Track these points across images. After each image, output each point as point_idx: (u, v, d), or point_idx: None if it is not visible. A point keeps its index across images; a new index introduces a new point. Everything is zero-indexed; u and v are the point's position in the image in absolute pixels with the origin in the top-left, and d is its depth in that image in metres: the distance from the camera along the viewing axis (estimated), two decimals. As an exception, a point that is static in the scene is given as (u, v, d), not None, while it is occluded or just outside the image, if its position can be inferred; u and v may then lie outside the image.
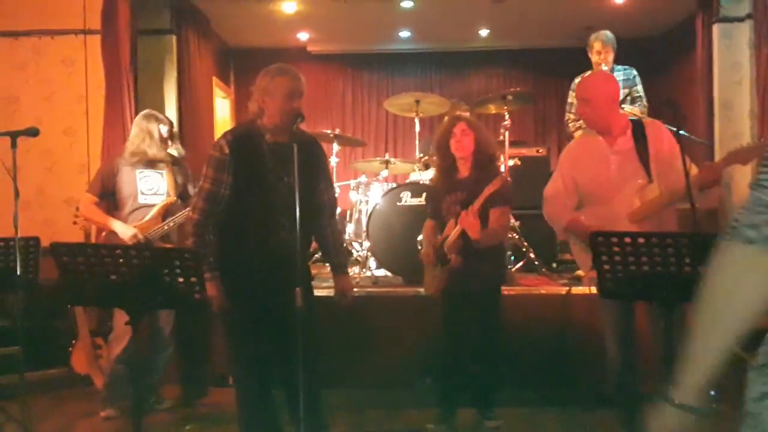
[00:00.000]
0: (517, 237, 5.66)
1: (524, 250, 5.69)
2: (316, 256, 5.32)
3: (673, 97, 6.94)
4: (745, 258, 1.20)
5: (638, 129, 3.43)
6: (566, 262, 5.95)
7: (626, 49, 5.82)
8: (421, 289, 4.18)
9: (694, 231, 2.90)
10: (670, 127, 3.73)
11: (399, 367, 4.50)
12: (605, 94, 3.45)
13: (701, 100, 6.69)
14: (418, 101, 6.01)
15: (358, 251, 5.85)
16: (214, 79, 8.72)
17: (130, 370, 3.67)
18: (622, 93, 5.43)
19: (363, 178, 6.14)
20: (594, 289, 2.93)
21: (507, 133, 5.74)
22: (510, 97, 5.80)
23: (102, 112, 5.84)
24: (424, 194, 4.61)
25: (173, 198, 4.21)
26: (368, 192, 5.98)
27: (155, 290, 2.67)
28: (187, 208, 3.96)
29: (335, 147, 6.19)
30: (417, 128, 6.11)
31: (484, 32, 9.08)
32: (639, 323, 3.38)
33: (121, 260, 2.64)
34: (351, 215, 6.11)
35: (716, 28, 6.47)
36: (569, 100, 5.63)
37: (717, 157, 5.83)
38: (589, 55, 5.58)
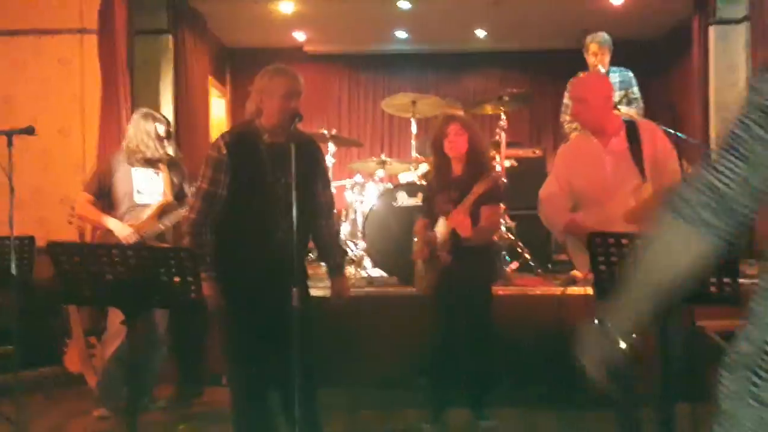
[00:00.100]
0: (512, 238, 5.66)
1: (520, 250, 5.70)
2: (311, 255, 5.32)
3: (669, 99, 6.97)
4: (671, 230, 1.28)
5: (632, 130, 3.44)
6: (561, 263, 5.95)
7: (623, 51, 5.82)
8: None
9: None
10: (665, 128, 3.75)
11: (394, 367, 4.50)
12: (599, 94, 3.46)
13: (697, 101, 6.71)
14: (414, 102, 6.02)
15: (353, 251, 5.85)
16: (211, 79, 8.71)
17: (125, 369, 3.66)
18: (619, 95, 5.44)
19: (359, 179, 6.14)
20: (590, 290, 2.93)
21: (503, 134, 5.74)
22: (506, 98, 5.80)
23: (98, 111, 5.83)
24: (420, 195, 4.62)
25: (169, 197, 4.19)
26: (364, 192, 5.99)
27: (151, 290, 2.67)
28: (183, 208, 3.96)
29: (331, 147, 6.18)
30: (413, 129, 6.11)
31: (481, 33, 9.08)
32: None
33: (117, 259, 2.64)
34: (347, 215, 6.12)
35: (712, 30, 6.49)
36: (565, 101, 5.63)
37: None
38: (586, 57, 5.59)
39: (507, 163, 5.85)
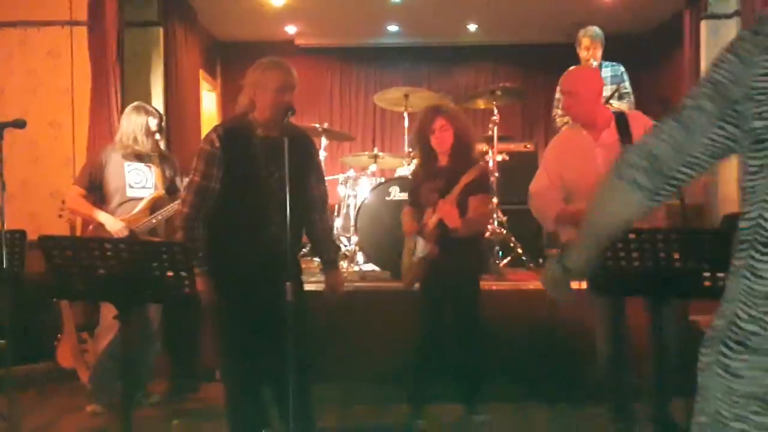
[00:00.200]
0: (504, 232, 5.66)
1: (512, 245, 5.70)
2: (304, 250, 5.30)
3: (661, 94, 6.99)
4: (613, 188, 1.47)
5: (622, 122, 3.45)
6: (553, 257, 5.97)
7: (614, 45, 5.83)
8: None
9: (682, 226, 2.91)
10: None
11: (387, 361, 4.50)
12: (590, 87, 3.47)
13: (688, 96, 6.72)
14: (407, 96, 6.01)
15: (346, 246, 5.84)
16: (201, 72, 8.67)
17: (118, 364, 3.64)
18: (611, 89, 5.46)
19: (351, 173, 6.13)
20: (583, 285, 2.93)
21: (496, 129, 5.74)
22: (499, 93, 5.80)
23: (88, 104, 5.79)
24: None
25: (161, 191, 4.17)
26: (356, 186, 5.98)
27: (144, 284, 2.65)
28: (175, 202, 3.94)
29: (323, 141, 6.17)
30: (406, 123, 6.10)
31: (472, 27, 9.07)
32: (628, 318, 3.40)
33: (109, 254, 2.62)
34: (339, 210, 6.11)
35: (704, 25, 6.50)
36: (557, 95, 5.63)
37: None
38: (578, 51, 5.60)
39: (499, 158, 5.86)
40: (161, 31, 6.59)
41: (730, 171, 5.36)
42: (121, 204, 4.09)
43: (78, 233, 4.47)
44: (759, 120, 1.27)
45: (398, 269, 4.97)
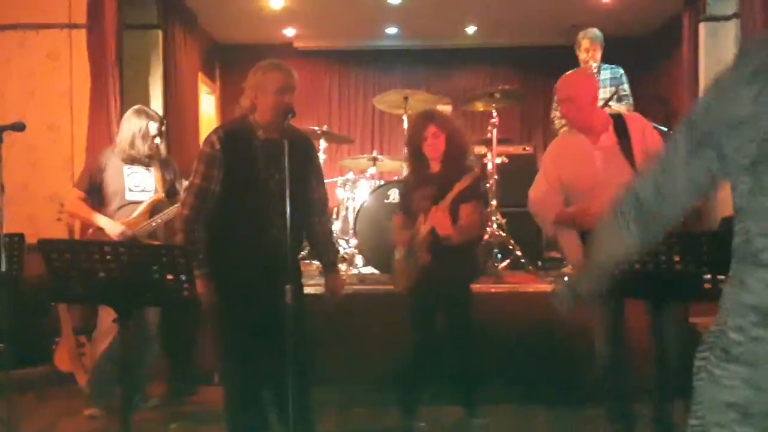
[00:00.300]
0: (503, 235, 5.66)
1: (511, 247, 5.70)
2: (303, 252, 5.29)
3: (660, 96, 6.98)
4: (609, 227, 1.59)
5: (619, 124, 3.44)
6: (552, 260, 5.97)
7: (613, 47, 5.83)
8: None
9: (682, 229, 2.91)
10: (660, 127, 3.75)
11: (386, 364, 4.48)
12: (586, 92, 3.46)
13: (687, 98, 6.72)
14: (406, 98, 6.00)
15: (345, 249, 5.83)
16: (200, 75, 8.65)
17: (116, 367, 3.63)
18: (610, 91, 5.46)
19: (350, 176, 6.13)
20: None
21: (495, 131, 5.74)
22: (498, 95, 5.79)
23: (87, 107, 5.77)
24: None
25: (161, 195, 4.16)
26: (355, 189, 5.97)
27: (144, 287, 2.64)
28: (175, 205, 3.93)
29: (322, 144, 6.17)
30: (405, 125, 6.09)
31: (471, 29, 9.08)
32: (627, 321, 3.40)
33: (109, 257, 2.61)
34: (338, 212, 6.10)
35: (702, 27, 6.50)
36: (555, 97, 5.63)
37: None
38: (577, 53, 5.60)
39: (498, 160, 5.85)
40: (160, 33, 6.59)
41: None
42: (120, 207, 4.07)
43: (76, 236, 4.45)
44: (748, 145, 1.31)
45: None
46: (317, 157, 3.40)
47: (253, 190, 3.06)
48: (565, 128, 5.26)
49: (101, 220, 4.03)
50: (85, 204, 4.10)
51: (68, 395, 4.49)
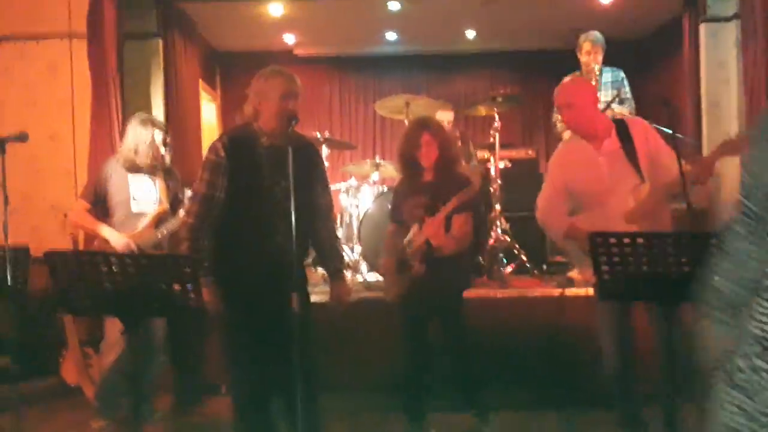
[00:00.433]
0: (508, 239, 5.65)
1: (516, 252, 5.69)
2: (307, 259, 5.28)
3: (662, 97, 6.96)
4: (710, 327, 1.47)
5: (622, 129, 3.44)
6: (557, 264, 5.96)
7: (613, 50, 5.82)
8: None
9: (691, 230, 2.90)
10: (664, 128, 3.73)
11: (394, 370, 4.47)
12: (585, 97, 3.47)
13: (689, 99, 6.72)
14: (408, 103, 6.00)
15: (349, 256, 5.82)
16: (201, 83, 8.65)
17: (124, 379, 3.61)
18: (611, 94, 5.46)
19: (353, 182, 6.11)
20: (590, 291, 2.92)
21: (497, 135, 5.73)
22: (500, 99, 5.78)
23: (88, 116, 5.76)
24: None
25: (166, 206, 4.11)
26: (358, 195, 5.95)
27: (151, 298, 2.63)
28: (180, 216, 3.90)
29: (324, 150, 6.15)
30: (407, 131, 6.07)
31: (471, 34, 9.07)
32: (636, 324, 3.38)
33: (115, 268, 2.60)
34: (341, 219, 6.08)
35: (703, 28, 6.50)
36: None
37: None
38: (579, 56, 5.59)
39: (501, 165, 5.84)
40: (160, 42, 6.59)
41: (734, 174, 5.33)
42: (124, 217, 4.02)
43: (81, 248, 4.43)
44: None
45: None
46: (322, 162, 3.40)
47: (257, 197, 3.05)
48: (567, 132, 5.26)
49: (106, 232, 3.99)
50: (89, 215, 4.06)
51: (75, 407, 4.47)
